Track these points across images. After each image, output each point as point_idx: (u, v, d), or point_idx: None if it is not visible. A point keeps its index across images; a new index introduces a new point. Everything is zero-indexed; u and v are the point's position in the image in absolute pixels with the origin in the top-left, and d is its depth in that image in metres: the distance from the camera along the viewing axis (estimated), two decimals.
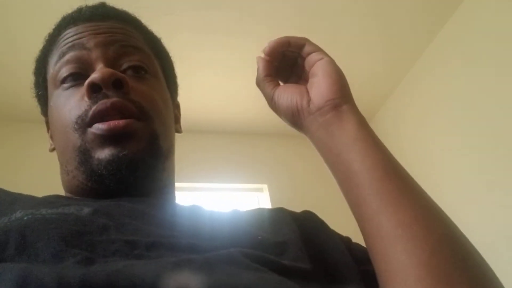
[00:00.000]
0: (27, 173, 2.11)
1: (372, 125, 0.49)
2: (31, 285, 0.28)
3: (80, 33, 0.56)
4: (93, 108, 0.49)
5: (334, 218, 0.69)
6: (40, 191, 0.52)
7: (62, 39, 0.57)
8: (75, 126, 0.50)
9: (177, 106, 0.69)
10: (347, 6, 1.96)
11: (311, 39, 0.54)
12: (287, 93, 0.52)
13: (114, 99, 0.49)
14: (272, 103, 0.54)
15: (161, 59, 0.64)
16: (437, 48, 2.19)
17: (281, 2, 1.91)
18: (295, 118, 0.51)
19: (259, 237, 0.45)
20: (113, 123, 0.48)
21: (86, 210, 0.41)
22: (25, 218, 0.38)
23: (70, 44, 0.55)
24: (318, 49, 0.53)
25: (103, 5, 0.62)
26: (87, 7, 0.60)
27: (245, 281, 0.33)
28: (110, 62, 0.54)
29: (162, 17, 1.80)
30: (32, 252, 0.33)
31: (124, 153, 0.48)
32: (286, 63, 0.56)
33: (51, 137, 0.60)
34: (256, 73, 0.56)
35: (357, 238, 0.55)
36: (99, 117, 0.49)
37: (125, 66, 0.55)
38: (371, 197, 0.42)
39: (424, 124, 2.29)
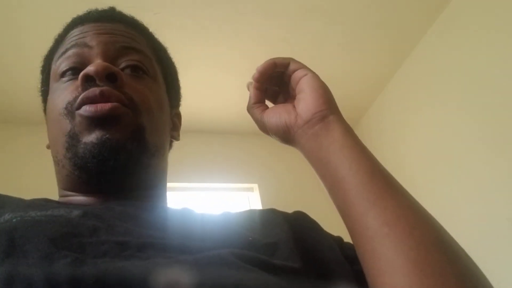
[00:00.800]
0: (27, 176, 2.08)
1: (358, 129, 0.50)
2: (18, 284, 0.28)
3: (84, 32, 0.58)
4: (82, 94, 0.50)
5: (324, 217, 0.70)
6: (39, 194, 0.52)
7: (68, 38, 0.59)
8: (64, 111, 0.51)
9: (177, 115, 0.70)
10: (331, 15, 1.98)
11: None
12: (275, 114, 0.55)
13: (104, 87, 0.50)
14: (262, 126, 0.56)
15: (163, 65, 0.65)
16: (421, 52, 2.21)
17: (271, 2, 1.91)
18: (285, 135, 0.53)
19: (250, 238, 0.46)
20: (100, 105, 0.49)
21: (76, 213, 0.41)
22: (14, 220, 0.38)
23: (73, 42, 0.57)
24: (302, 66, 0.55)
25: (111, 9, 0.64)
26: (96, 10, 0.62)
27: (235, 280, 0.34)
28: (109, 60, 0.55)
29: (151, 16, 1.79)
30: (21, 255, 0.33)
31: (107, 136, 0.48)
32: (273, 84, 0.59)
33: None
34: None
35: (348, 237, 0.56)
36: (88, 102, 0.50)
37: (123, 65, 0.56)
38: (358, 199, 0.44)
39: (406, 128, 2.31)
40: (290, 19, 1.99)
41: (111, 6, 0.65)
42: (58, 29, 0.63)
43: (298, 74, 0.54)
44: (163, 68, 0.64)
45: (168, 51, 0.70)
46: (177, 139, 0.68)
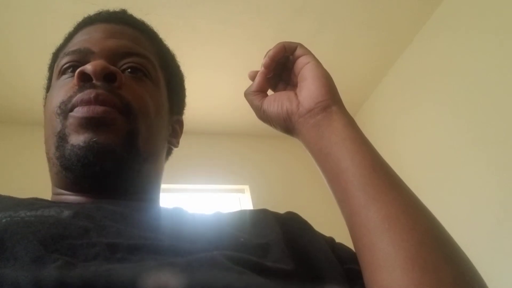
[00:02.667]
0: (23, 176, 2.06)
1: (357, 119, 0.50)
2: (4, 287, 0.27)
3: (92, 34, 0.58)
4: (77, 96, 0.49)
5: (316, 218, 0.70)
6: (33, 193, 0.52)
7: (76, 38, 0.59)
8: (58, 110, 0.51)
9: (179, 122, 0.70)
10: (322, 15, 1.98)
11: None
12: (276, 101, 0.54)
13: (100, 90, 0.49)
14: (262, 113, 0.55)
15: (168, 72, 0.64)
16: (413, 52, 2.23)
17: (262, 1, 1.91)
18: (286, 123, 0.53)
19: (242, 239, 0.45)
20: (93, 107, 0.48)
21: (67, 213, 0.41)
22: (3, 220, 0.37)
23: (80, 41, 0.57)
24: (307, 53, 0.54)
25: (122, 11, 0.64)
26: (107, 11, 0.62)
27: (227, 282, 0.33)
28: (111, 61, 0.54)
29: (142, 17, 1.78)
30: (11, 257, 0.32)
31: (95, 139, 0.48)
32: (275, 70, 0.58)
33: None
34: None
35: (340, 238, 0.56)
36: (82, 105, 0.49)
37: (124, 66, 0.56)
38: (359, 192, 0.44)
39: (398, 128, 2.33)
40: (281, 18, 2.00)
41: (123, 8, 0.65)
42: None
43: (301, 60, 0.54)
44: (167, 74, 0.64)
45: (176, 58, 0.70)
46: (176, 146, 0.67)
